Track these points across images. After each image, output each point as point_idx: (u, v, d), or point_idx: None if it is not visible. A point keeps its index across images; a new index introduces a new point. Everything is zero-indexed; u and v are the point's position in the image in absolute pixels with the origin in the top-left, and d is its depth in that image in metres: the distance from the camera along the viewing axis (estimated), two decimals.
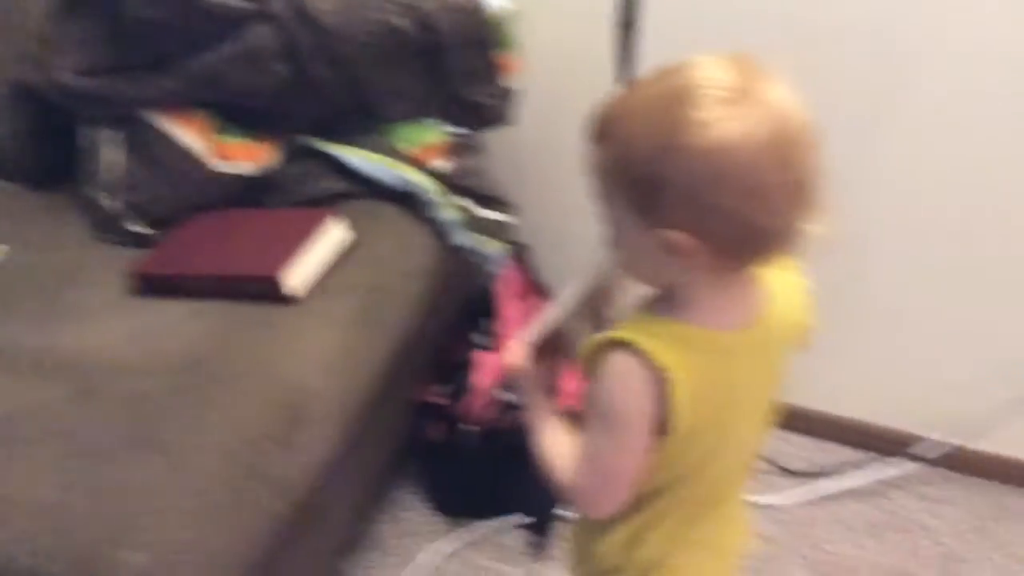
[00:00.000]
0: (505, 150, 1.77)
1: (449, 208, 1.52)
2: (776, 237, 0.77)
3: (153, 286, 1.38)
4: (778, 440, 1.86)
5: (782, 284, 0.88)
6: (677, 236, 0.75)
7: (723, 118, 0.72)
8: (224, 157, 1.49)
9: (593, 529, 0.97)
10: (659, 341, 0.80)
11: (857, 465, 1.80)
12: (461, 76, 1.51)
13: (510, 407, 1.59)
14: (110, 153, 1.50)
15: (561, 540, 1.08)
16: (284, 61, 1.45)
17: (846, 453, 1.84)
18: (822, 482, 1.77)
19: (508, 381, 0.98)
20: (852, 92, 1.51)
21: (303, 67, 1.46)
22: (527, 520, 1.66)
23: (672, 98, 0.74)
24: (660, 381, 0.80)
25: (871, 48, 1.48)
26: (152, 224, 1.50)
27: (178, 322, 1.30)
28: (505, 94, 1.55)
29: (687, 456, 0.87)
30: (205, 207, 1.51)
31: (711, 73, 0.74)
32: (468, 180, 1.54)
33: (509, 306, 1.73)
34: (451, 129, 1.57)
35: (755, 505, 1.73)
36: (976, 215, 1.56)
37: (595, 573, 1.00)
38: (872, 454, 1.82)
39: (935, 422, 1.77)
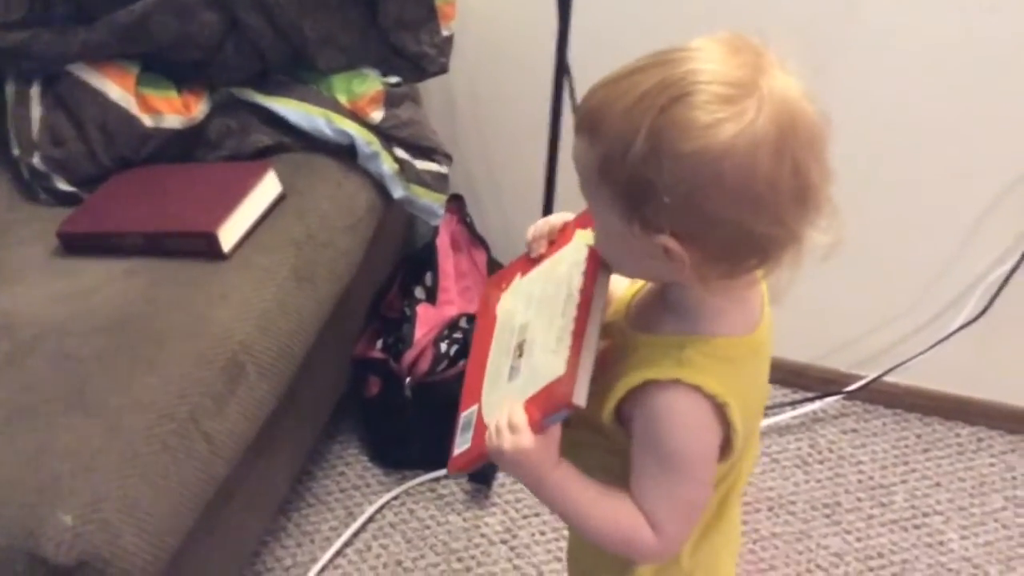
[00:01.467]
0: (438, 99, 1.76)
1: (386, 160, 1.51)
2: (777, 244, 0.71)
3: (80, 245, 1.36)
4: None
5: None
6: (669, 242, 0.70)
7: (724, 119, 0.66)
8: (148, 110, 1.46)
9: (621, 561, 0.88)
10: (702, 369, 0.75)
11: (783, 402, 1.86)
12: (398, 24, 1.49)
13: (447, 357, 1.61)
14: (35, 109, 1.46)
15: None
16: (213, 9, 1.42)
17: (772, 391, 1.89)
18: None
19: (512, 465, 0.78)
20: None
21: (233, 15, 1.43)
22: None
23: (668, 94, 0.67)
24: (718, 408, 0.76)
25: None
26: (80, 181, 1.47)
27: (108, 281, 1.28)
28: (443, 43, 1.54)
29: (731, 462, 0.83)
30: (134, 162, 1.48)
31: (710, 65, 0.68)
32: (405, 131, 1.53)
33: (447, 259, 1.73)
34: (388, 79, 1.55)
35: None
36: (890, 157, 1.60)
37: None
38: (798, 391, 1.88)
39: (859, 358, 1.83)
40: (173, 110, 1.47)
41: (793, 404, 1.85)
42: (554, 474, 0.79)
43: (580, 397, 0.74)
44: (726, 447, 0.79)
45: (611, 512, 0.80)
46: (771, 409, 1.84)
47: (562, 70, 1.41)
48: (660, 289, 0.81)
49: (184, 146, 1.50)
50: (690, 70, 0.67)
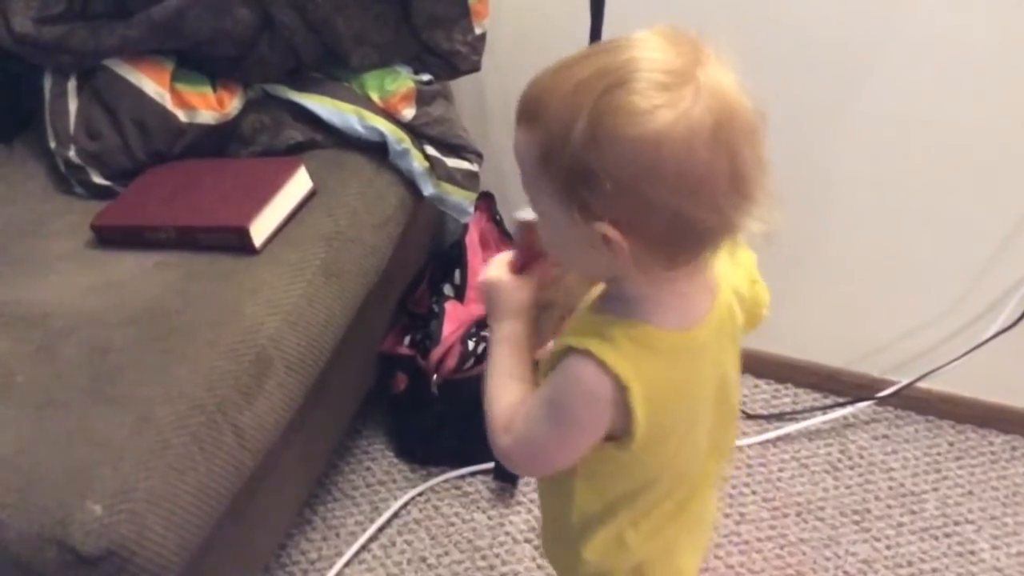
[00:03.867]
0: (469, 97, 1.76)
1: (416, 157, 1.52)
2: (714, 232, 0.73)
3: (113, 237, 1.37)
4: None
5: (728, 261, 0.85)
6: (608, 230, 0.71)
7: (662, 105, 0.67)
8: (183, 106, 1.47)
9: (571, 538, 0.94)
10: (618, 349, 0.77)
11: (814, 407, 1.84)
12: (431, 22, 1.50)
13: (473, 355, 1.61)
14: (71, 103, 1.48)
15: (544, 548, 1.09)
16: (248, 6, 1.43)
17: (803, 395, 1.88)
18: (779, 424, 1.81)
19: (482, 297, 0.91)
20: (821, 46, 1.52)
21: (267, 12, 1.44)
22: (492, 467, 1.69)
23: (607, 81, 0.68)
24: (620, 390, 0.77)
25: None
26: (114, 175, 1.48)
27: (140, 274, 1.30)
28: (476, 41, 1.54)
29: (659, 458, 0.85)
30: (167, 157, 1.50)
31: (649, 53, 0.69)
32: (436, 129, 1.53)
33: (476, 256, 1.73)
34: (420, 77, 1.55)
35: None
36: (929, 162, 1.58)
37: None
38: (830, 396, 1.86)
39: (892, 363, 1.81)
40: (207, 106, 1.48)
41: (824, 409, 1.83)
42: (510, 322, 0.87)
43: (524, 213, 0.83)
44: (627, 434, 0.79)
45: (507, 390, 0.87)
46: (802, 413, 1.82)
47: None
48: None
49: (217, 141, 1.52)
50: (630, 58, 0.69)
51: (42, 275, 1.30)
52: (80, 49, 1.43)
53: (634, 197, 0.70)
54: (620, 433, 0.80)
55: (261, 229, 1.34)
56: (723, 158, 0.69)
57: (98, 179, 1.48)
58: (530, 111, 0.73)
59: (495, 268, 0.89)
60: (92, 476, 1.00)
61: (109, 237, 1.37)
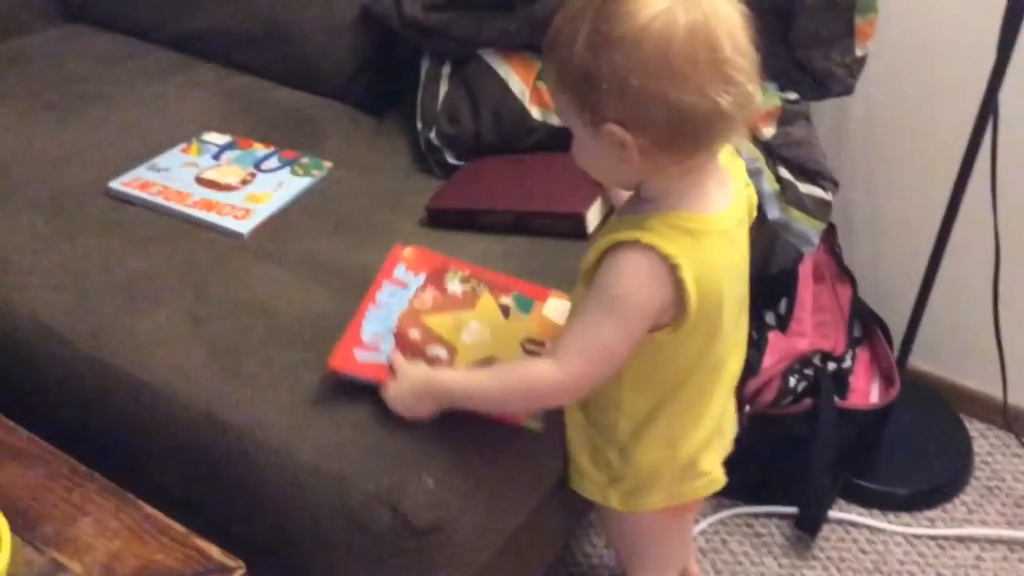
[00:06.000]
0: (828, 119, 1.66)
1: (768, 179, 1.45)
2: (708, 119, 0.80)
3: (446, 220, 1.40)
4: None
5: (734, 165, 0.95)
6: (615, 128, 0.81)
7: (643, 7, 0.78)
8: (540, 104, 1.50)
9: (621, 451, 1.04)
10: (660, 233, 0.85)
11: None
12: (810, 39, 1.42)
13: (793, 393, 1.52)
14: (442, 87, 1.55)
15: (580, 477, 1.13)
16: None
17: None
18: None
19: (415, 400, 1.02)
20: None
21: None
22: (793, 513, 1.59)
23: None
24: (670, 269, 0.85)
25: None
26: (465, 159, 1.54)
27: (481, 254, 1.32)
28: (855, 63, 1.44)
29: (700, 341, 0.93)
30: (514, 150, 1.52)
31: None
32: (794, 151, 1.46)
33: (807, 288, 1.64)
34: (786, 95, 1.48)
35: None
36: None
37: (634, 487, 1.06)
38: None
39: None
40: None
41: None
42: (437, 379, 1.00)
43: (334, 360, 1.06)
44: (680, 313, 0.88)
45: (505, 369, 1.01)
46: None
47: (988, 110, 1.26)
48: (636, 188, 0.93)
49: (559, 142, 1.53)
50: None
51: (376, 248, 1.33)
52: (460, 37, 1.49)
53: (629, 92, 0.79)
54: (667, 319, 0.89)
55: (593, 217, 1.34)
56: (702, 48, 0.78)
57: (453, 161, 1.54)
58: (549, 41, 0.85)
59: (395, 387, 1.01)
60: (430, 451, 1.03)
61: (442, 219, 1.41)
